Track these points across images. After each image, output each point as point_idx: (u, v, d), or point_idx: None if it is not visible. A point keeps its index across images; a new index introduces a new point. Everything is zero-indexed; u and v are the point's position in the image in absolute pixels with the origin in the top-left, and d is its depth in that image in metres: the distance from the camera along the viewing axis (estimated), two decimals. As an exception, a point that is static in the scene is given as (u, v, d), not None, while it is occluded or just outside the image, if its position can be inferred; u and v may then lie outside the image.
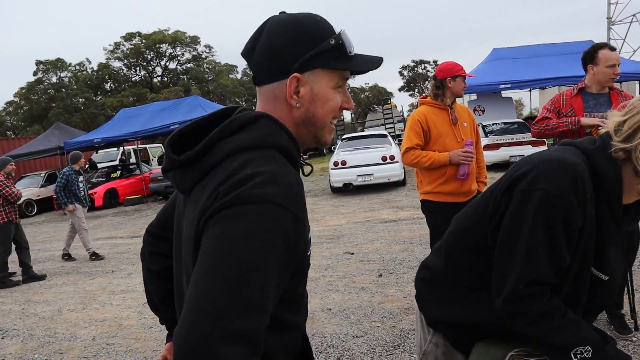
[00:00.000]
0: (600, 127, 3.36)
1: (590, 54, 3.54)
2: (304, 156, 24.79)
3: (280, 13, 1.14)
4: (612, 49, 3.50)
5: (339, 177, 12.58)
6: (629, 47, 30.87)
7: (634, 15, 28.28)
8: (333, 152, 14.65)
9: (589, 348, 1.27)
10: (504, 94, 16.06)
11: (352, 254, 6.73)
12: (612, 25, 29.46)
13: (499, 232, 1.37)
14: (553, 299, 1.30)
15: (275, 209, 0.93)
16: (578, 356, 1.28)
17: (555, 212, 1.25)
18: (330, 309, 4.67)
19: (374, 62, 1.15)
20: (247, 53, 1.14)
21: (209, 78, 45.95)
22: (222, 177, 0.99)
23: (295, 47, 1.08)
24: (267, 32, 1.10)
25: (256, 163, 0.99)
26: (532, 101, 28.31)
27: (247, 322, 0.86)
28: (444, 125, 3.70)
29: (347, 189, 12.87)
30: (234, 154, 1.03)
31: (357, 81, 56.54)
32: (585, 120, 3.43)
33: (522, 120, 15.27)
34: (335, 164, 12.68)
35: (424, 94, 3.96)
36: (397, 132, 22.77)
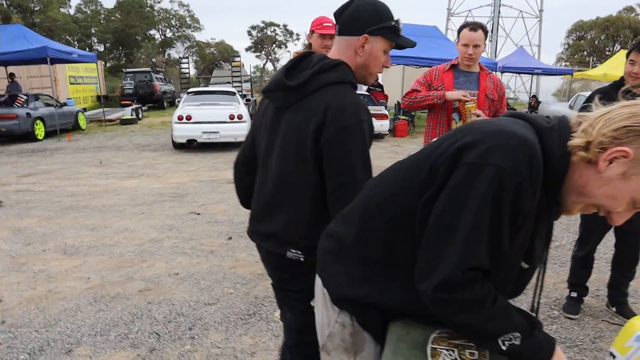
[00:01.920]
0: (469, 103, 3.42)
1: (458, 31, 3.59)
2: (144, 107, 23.23)
3: None
4: (473, 29, 3.47)
5: (182, 132, 11.89)
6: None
7: (469, 10, 30.92)
8: (177, 105, 13.83)
9: (518, 334, 1.18)
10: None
11: (198, 214, 6.38)
12: (451, 16, 31.96)
13: (433, 206, 1.20)
14: (485, 285, 1.18)
15: (363, 125, 1.66)
16: (506, 343, 1.18)
17: (507, 193, 1.10)
18: (178, 274, 4.33)
19: (411, 42, 1.82)
20: (339, 13, 1.80)
21: (36, 8, 40.63)
22: (326, 102, 1.68)
23: (371, 19, 1.74)
24: (356, 5, 1.76)
25: (343, 95, 1.70)
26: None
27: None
28: None
29: (190, 146, 12.25)
30: (327, 85, 1.71)
31: (202, 35, 54.44)
32: (450, 94, 3.47)
33: (367, 93, 15.83)
34: (180, 118, 11.94)
35: (297, 51, 3.74)
36: (244, 92, 22.30)
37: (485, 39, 3.57)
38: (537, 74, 23.90)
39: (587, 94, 16.71)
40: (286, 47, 57.52)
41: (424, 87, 3.65)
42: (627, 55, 3.27)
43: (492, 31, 29.90)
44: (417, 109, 3.72)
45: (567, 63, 48.80)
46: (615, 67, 22.19)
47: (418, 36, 16.60)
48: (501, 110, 3.66)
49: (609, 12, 53.61)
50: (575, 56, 51.02)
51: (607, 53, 48.14)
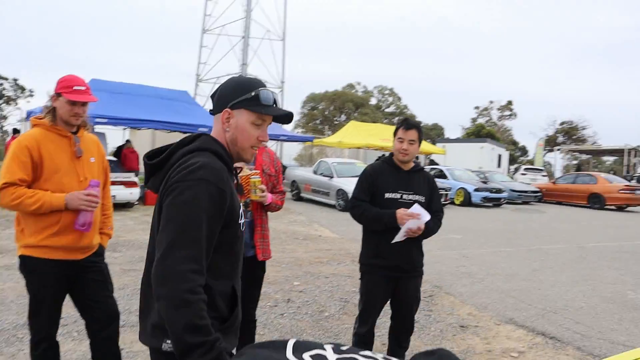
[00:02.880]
0: (254, 177, 3.10)
1: None
2: None
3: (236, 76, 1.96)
4: None
5: None
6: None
7: (217, 77, 31.93)
8: None
9: None
10: (98, 128, 15.14)
11: None
12: (200, 82, 32.71)
13: None
14: None
15: (200, 184, 1.63)
16: None
17: None
18: None
19: (281, 111, 1.83)
20: (212, 96, 1.89)
21: None
22: (173, 169, 1.70)
23: (232, 94, 1.81)
24: (223, 83, 1.88)
25: (194, 158, 1.70)
26: (122, 141, 27.98)
27: (193, 250, 1.58)
28: (63, 158, 2.88)
29: None
30: (184, 156, 1.74)
31: None
32: None
33: (115, 158, 14.67)
34: None
35: (38, 115, 3.01)
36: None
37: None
38: (282, 140, 25.49)
39: (327, 159, 18.28)
40: (16, 103, 51.31)
41: None
42: (395, 133, 3.38)
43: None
44: None
45: (304, 130, 53.82)
46: (347, 136, 25.04)
47: (169, 100, 16.39)
48: (278, 186, 3.45)
49: (335, 87, 61.21)
50: (310, 124, 56.60)
51: (335, 122, 54.57)
